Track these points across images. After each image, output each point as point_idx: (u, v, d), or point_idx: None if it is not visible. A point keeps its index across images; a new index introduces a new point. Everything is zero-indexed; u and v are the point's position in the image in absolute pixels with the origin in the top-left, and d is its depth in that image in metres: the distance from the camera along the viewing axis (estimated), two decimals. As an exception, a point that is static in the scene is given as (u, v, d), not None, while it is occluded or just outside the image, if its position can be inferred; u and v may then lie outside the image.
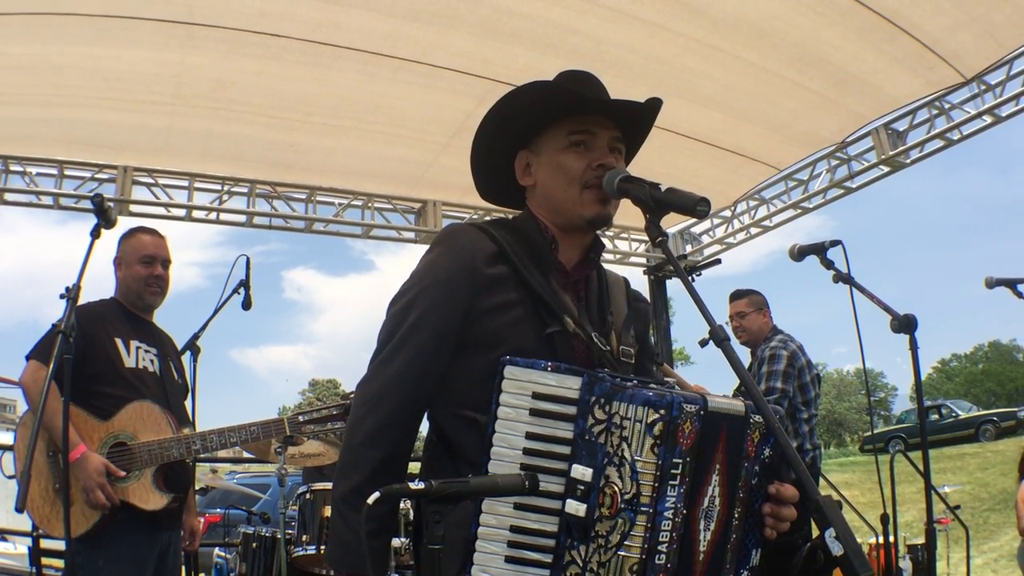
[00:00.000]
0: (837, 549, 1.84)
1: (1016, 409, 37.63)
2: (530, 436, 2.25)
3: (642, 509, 2.16)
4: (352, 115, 8.69)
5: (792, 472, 2.17)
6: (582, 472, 2.20)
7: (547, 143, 2.69)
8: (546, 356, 2.37)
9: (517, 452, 2.24)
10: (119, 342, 4.80)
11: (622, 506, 2.16)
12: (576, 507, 2.19)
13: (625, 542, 2.16)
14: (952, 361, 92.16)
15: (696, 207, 2.27)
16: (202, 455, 4.72)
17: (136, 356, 4.84)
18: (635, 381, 2.27)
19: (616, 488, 2.17)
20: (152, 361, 4.91)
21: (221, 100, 8.25)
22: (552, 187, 2.67)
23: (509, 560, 2.22)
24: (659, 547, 2.18)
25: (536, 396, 2.26)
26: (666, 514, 2.17)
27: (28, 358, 4.66)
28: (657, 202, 2.35)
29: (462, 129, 8.69)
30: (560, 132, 2.66)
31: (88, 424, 4.56)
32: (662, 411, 2.17)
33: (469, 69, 7.84)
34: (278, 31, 7.36)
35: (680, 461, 2.18)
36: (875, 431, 43.95)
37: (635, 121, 2.76)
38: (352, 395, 2.76)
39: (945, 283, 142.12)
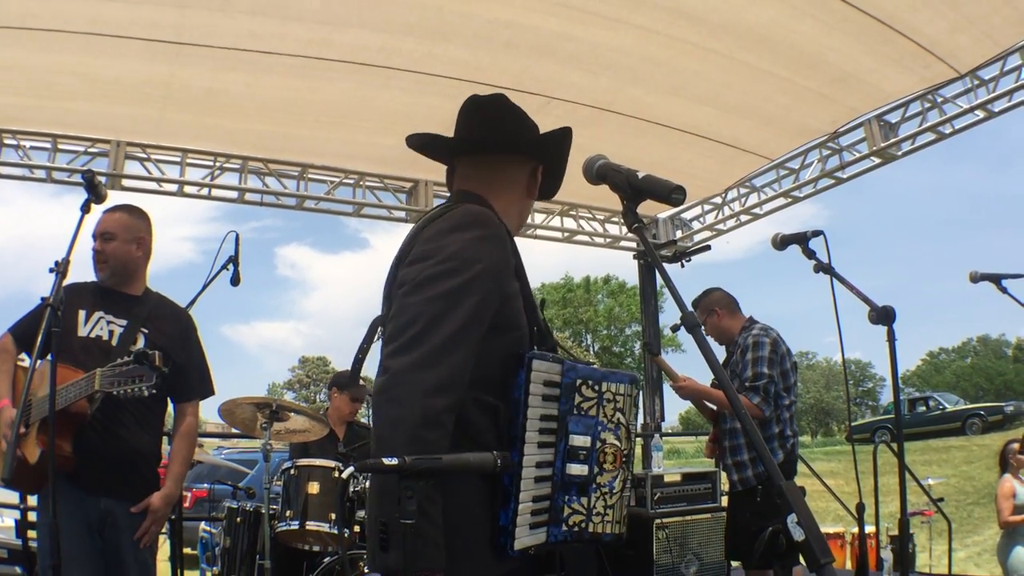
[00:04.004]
0: (798, 535, 1.87)
1: (1003, 404, 37.69)
2: (543, 418, 2.59)
3: (630, 459, 2.78)
4: (344, 115, 8.78)
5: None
6: (582, 440, 2.61)
7: (536, 184, 3.09)
8: (530, 343, 2.73)
9: (536, 434, 2.57)
10: (81, 313, 4.83)
11: (624, 460, 2.71)
12: (580, 469, 2.61)
13: (625, 486, 2.75)
14: (940, 354, 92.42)
15: (671, 194, 2.31)
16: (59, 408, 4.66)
17: (92, 326, 4.85)
18: (594, 363, 2.76)
19: (617, 447, 2.68)
20: (112, 332, 4.91)
21: (212, 105, 8.34)
22: (526, 211, 3.17)
23: (532, 526, 2.56)
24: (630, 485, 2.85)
25: (546, 384, 2.59)
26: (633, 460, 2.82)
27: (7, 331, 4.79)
28: (634, 188, 2.40)
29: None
30: (535, 185, 3.09)
31: (20, 384, 4.71)
32: (637, 388, 2.82)
33: (462, 76, 7.84)
34: (268, 49, 7.41)
35: (636, 421, 2.82)
36: (861, 421, 44.11)
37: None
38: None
39: (937, 275, 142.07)
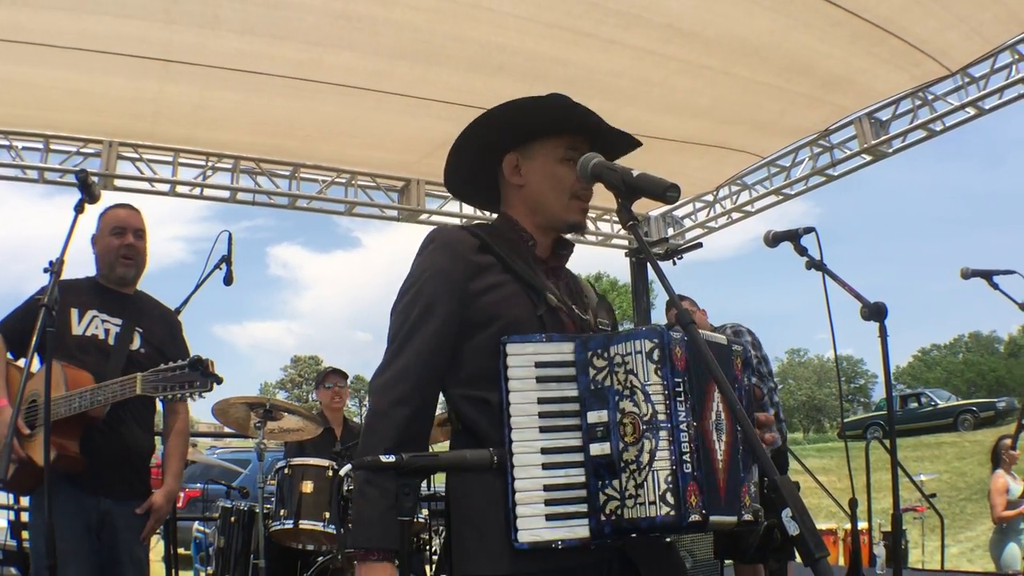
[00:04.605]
0: (793, 529, 1.87)
1: (995, 400, 37.80)
2: (541, 400, 2.48)
3: (662, 425, 2.38)
4: (335, 134, 8.85)
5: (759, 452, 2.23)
6: (597, 416, 2.45)
7: (542, 151, 2.90)
8: (537, 329, 2.62)
9: (533, 417, 2.46)
10: (74, 312, 4.82)
11: (644, 427, 2.39)
12: (600, 448, 2.43)
13: (656, 457, 2.37)
14: (932, 351, 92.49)
15: (666, 192, 2.32)
16: (82, 411, 4.64)
17: (87, 325, 4.84)
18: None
19: (635, 414, 2.40)
20: (107, 331, 4.91)
21: (201, 119, 8.35)
22: (544, 190, 2.90)
23: (550, 518, 2.41)
24: (684, 457, 2.38)
25: (539, 365, 2.51)
26: (681, 427, 2.38)
27: None
28: (628, 187, 2.41)
29: (447, 141, 8.74)
30: (558, 145, 2.89)
31: (15, 383, 4.62)
32: (656, 339, 2.42)
33: (455, 100, 7.86)
34: (258, 69, 7.45)
35: (680, 380, 2.41)
36: (853, 418, 44.20)
37: (611, 150, 2.99)
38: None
39: (929, 273, 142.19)
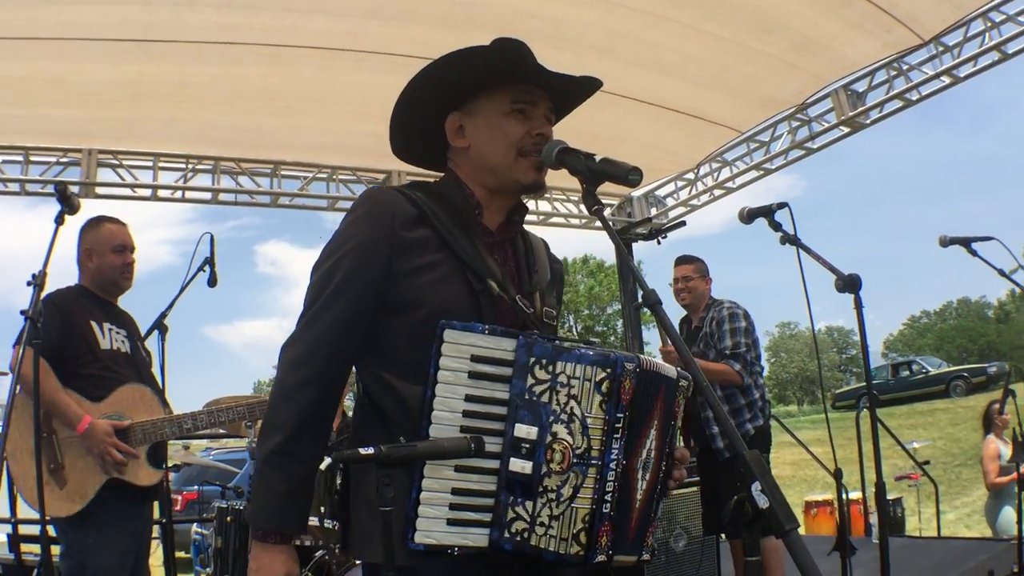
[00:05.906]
0: (763, 502, 1.91)
1: (986, 365, 37.89)
2: (469, 399, 2.32)
3: (592, 462, 2.27)
4: (314, 100, 8.77)
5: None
6: (527, 431, 2.28)
7: (486, 107, 2.70)
8: (470, 318, 2.43)
9: (457, 415, 2.31)
10: (94, 325, 4.89)
11: (574, 460, 2.26)
12: (522, 465, 2.28)
13: (578, 494, 2.27)
14: (923, 318, 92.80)
15: (628, 176, 2.32)
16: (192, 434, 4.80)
17: (110, 338, 4.93)
18: (572, 342, 2.37)
19: (567, 444, 2.26)
20: (123, 342, 5.00)
21: (181, 96, 8.29)
22: (489, 150, 2.68)
23: (451, 523, 2.29)
24: (606, 497, 2.30)
25: (475, 359, 2.33)
26: (611, 465, 2.29)
27: (14, 346, 4.80)
28: (593, 172, 2.40)
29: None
30: (502, 98, 2.67)
31: (83, 405, 4.65)
32: (608, 370, 2.28)
33: (430, 55, 7.82)
34: (236, 39, 7.44)
35: (622, 415, 2.30)
36: (846, 388, 44.43)
37: (570, 96, 2.81)
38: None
39: (915, 240, 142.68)
